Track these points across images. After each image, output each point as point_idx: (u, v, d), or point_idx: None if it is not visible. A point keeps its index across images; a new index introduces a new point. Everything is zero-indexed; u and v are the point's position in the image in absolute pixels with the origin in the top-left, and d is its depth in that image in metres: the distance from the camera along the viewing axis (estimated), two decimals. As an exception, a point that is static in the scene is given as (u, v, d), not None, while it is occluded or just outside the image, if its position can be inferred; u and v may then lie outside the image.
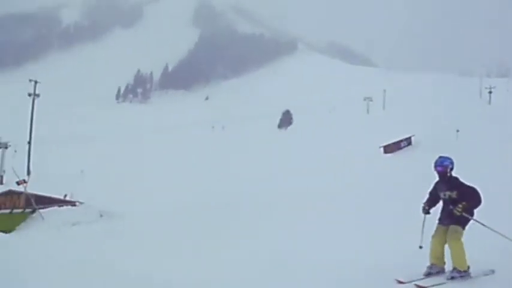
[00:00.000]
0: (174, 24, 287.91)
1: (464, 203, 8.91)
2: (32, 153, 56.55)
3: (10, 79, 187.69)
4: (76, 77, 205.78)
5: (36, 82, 61.43)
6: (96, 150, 72.43)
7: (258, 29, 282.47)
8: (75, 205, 29.30)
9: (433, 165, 9.49)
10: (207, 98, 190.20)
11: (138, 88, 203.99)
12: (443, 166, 9.38)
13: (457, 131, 43.02)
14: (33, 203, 27.78)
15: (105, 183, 39.73)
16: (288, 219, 15.50)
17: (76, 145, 77.11)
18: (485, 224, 9.01)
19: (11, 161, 46.49)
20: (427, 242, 9.09)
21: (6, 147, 53.77)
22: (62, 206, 29.07)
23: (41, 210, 27.20)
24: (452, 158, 9.51)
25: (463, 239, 8.69)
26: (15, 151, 60.78)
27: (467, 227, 8.92)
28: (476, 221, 9.04)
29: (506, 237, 9.18)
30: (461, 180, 9.26)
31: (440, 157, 9.59)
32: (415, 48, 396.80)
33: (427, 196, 9.65)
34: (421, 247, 9.12)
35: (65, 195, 30.82)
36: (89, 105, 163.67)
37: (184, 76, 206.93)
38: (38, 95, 61.50)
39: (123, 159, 61.29)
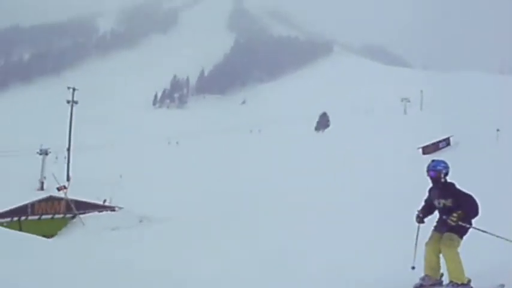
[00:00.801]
0: (209, 29, 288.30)
1: (459, 212, 8.31)
2: (71, 159, 57.18)
3: (49, 87, 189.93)
4: (113, 84, 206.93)
5: (74, 89, 62.25)
6: (135, 155, 72.99)
7: (293, 32, 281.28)
8: (114, 210, 29.68)
9: (425, 169, 8.95)
10: (243, 102, 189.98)
11: (175, 93, 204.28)
12: (436, 171, 8.76)
13: (497, 130, 42.24)
14: (74, 209, 28.23)
15: (144, 188, 40.10)
16: (334, 222, 15.44)
17: (114, 150, 77.70)
18: (487, 230, 8.46)
19: (51, 168, 47.08)
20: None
21: (46, 154, 54.57)
22: (102, 211, 29.49)
23: (81, 216, 27.63)
24: (447, 162, 8.94)
25: (459, 249, 8.14)
26: (56, 158, 61.48)
27: (465, 237, 8.35)
28: (476, 228, 8.49)
29: None
30: (458, 186, 8.67)
31: (433, 161, 9.07)
32: (453, 46, 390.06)
33: (422, 204, 9.15)
34: (413, 268, 8.52)
35: (104, 201, 31.24)
36: (126, 111, 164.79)
37: (221, 80, 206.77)
38: (76, 102, 62.34)
39: (161, 164, 61.64)
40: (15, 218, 26.99)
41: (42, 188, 48.93)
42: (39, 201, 29.21)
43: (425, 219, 9.00)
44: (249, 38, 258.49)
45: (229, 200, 28.75)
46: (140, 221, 25.50)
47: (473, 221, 8.42)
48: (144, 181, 46.25)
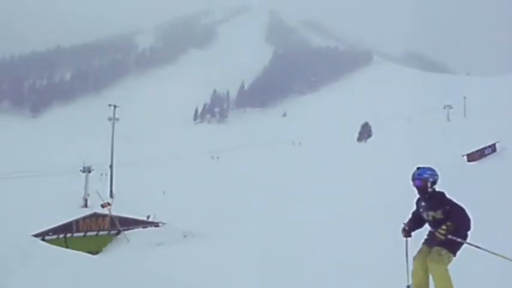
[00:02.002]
0: (247, 43, 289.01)
1: (449, 223, 7.54)
2: (114, 176, 57.50)
3: (90, 105, 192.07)
4: (153, 100, 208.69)
5: (115, 107, 62.67)
6: (177, 170, 73.13)
7: (332, 42, 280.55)
8: (158, 226, 29.68)
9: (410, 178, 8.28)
10: (284, 115, 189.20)
11: (215, 108, 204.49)
12: (422, 179, 7.99)
13: (547, 135, 41.03)
14: (118, 225, 28.26)
15: (187, 203, 39.99)
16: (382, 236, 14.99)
17: (157, 166, 78.00)
18: (481, 246, 7.67)
19: (95, 185, 47.36)
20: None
21: (89, 172, 54.94)
22: (146, 227, 29.50)
23: (125, 232, 27.65)
24: (435, 168, 8.19)
25: (450, 266, 7.44)
26: (102, 174, 61.97)
27: (458, 253, 7.61)
28: (470, 244, 7.68)
29: None
30: (448, 196, 7.91)
31: (418, 168, 8.24)
32: (496, 50, 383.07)
33: (409, 216, 8.48)
34: (408, 287, 7.95)
35: (148, 217, 31.26)
36: (167, 127, 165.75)
37: (261, 93, 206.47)
38: (117, 119, 62.76)
39: (203, 179, 61.58)
40: (61, 235, 27.23)
41: (86, 205, 49.33)
42: (84, 218, 29.40)
43: (413, 233, 8.33)
44: (288, 50, 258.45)
45: (273, 216, 28.45)
46: (184, 236, 25.40)
47: (469, 235, 7.69)
48: (186, 196, 46.21)
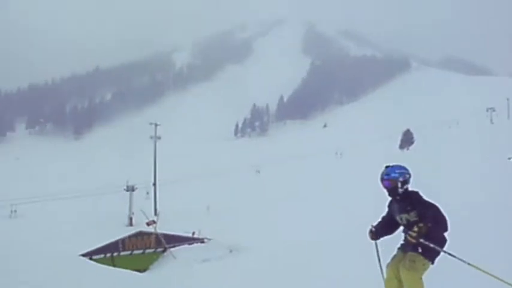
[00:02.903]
0: (284, 55, 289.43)
1: (421, 225, 6.79)
2: (158, 193, 57.85)
3: (131, 124, 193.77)
4: (193, 117, 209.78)
5: (156, 125, 63.14)
6: (220, 186, 73.19)
7: (369, 51, 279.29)
8: (203, 242, 29.64)
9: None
10: (325, 126, 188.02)
11: (256, 122, 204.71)
12: (391, 179, 7.34)
13: None
14: (164, 243, 28.31)
15: (231, 218, 40.00)
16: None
17: (200, 182, 78.22)
18: (456, 255, 6.97)
19: (138, 203, 47.70)
20: None
21: (133, 190, 55.34)
22: (192, 243, 29.50)
23: (171, 249, 27.68)
24: (406, 166, 7.54)
25: (424, 275, 6.83)
26: (147, 193, 62.46)
27: (436, 261, 6.96)
28: (446, 252, 7.01)
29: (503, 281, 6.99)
30: (422, 196, 7.26)
31: (386, 167, 7.55)
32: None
33: (378, 220, 7.75)
34: None
35: (193, 233, 31.25)
36: (208, 143, 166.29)
37: (300, 105, 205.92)
38: (159, 137, 63.27)
39: (246, 193, 61.49)
40: (108, 254, 27.44)
41: (131, 224, 49.70)
42: (130, 236, 29.57)
43: (383, 239, 7.66)
44: (325, 61, 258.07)
45: (318, 227, 28.22)
46: (230, 251, 25.32)
47: (448, 238, 7.05)
48: (230, 211, 46.22)
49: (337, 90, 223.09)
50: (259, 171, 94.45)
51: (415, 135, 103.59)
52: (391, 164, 7.59)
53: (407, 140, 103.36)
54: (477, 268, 6.97)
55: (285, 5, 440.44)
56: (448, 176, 38.14)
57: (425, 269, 7.03)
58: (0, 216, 57.79)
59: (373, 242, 7.83)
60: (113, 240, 28.47)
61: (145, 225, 30.16)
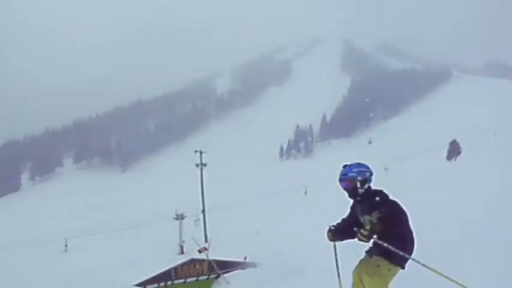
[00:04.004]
0: (324, 74, 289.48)
1: (375, 221, 6.51)
2: (207, 220, 58.04)
3: (176, 153, 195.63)
4: (237, 142, 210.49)
5: (201, 152, 63.46)
6: (268, 209, 73.05)
7: (408, 64, 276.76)
8: (255, 266, 29.51)
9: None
10: (369, 142, 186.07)
11: (300, 142, 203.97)
12: (349, 179, 6.98)
13: None
14: (216, 269, 28.34)
15: (281, 241, 39.73)
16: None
17: (248, 207, 78.11)
18: (420, 261, 6.54)
19: (188, 231, 47.90)
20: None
21: (182, 218, 55.71)
22: (244, 268, 29.45)
23: (225, 275, 27.65)
24: (366, 164, 7.21)
25: (391, 282, 6.47)
26: (195, 220, 62.74)
27: (407, 266, 6.59)
28: (405, 255, 6.52)
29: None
30: (387, 194, 6.87)
31: (344, 166, 7.20)
32: None
33: (338, 221, 7.31)
34: None
35: (245, 258, 31.17)
36: (254, 167, 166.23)
37: (343, 123, 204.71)
38: (205, 165, 63.57)
39: (294, 215, 61.20)
40: (162, 284, 27.59)
41: (182, 252, 49.90)
42: (182, 264, 29.67)
43: (344, 240, 7.19)
44: (365, 76, 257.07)
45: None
46: (283, 275, 25.18)
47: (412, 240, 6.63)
48: (280, 234, 45.98)
49: (380, 106, 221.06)
50: (306, 193, 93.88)
51: (462, 145, 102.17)
52: (348, 163, 7.33)
53: (454, 150, 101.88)
54: (437, 272, 6.64)
55: (321, 24, 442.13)
56: (500, 183, 37.47)
57: (392, 275, 6.67)
58: (54, 250, 58.74)
59: (331, 243, 7.50)
60: (165, 269, 28.60)
61: (197, 253, 30.26)
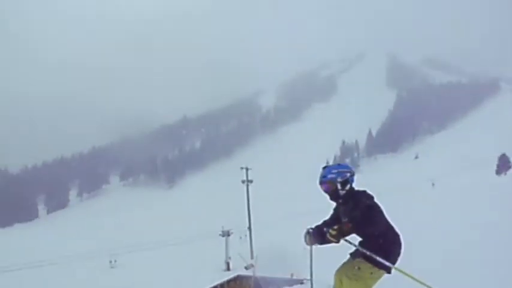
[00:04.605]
0: (369, 89, 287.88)
1: (345, 219, 6.37)
2: (254, 236, 57.95)
3: (222, 170, 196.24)
4: (283, 158, 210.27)
5: (247, 169, 63.42)
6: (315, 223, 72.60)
7: (454, 77, 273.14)
8: (303, 283, 29.31)
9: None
10: (416, 157, 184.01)
11: (346, 158, 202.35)
12: (328, 181, 6.72)
13: None
14: (263, 286, 28.17)
15: (328, 257, 39.36)
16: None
17: (295, 223, 77.78)
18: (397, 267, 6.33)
19: (236, 248, 47.89)
20: None
21: (228, 235, 55.67)
22: (292, 285, 29.22)
23: (271, 292, 27.45)
24: (346, 164, 6.97)
25: (374, 286, 6.17)
26: (240, 237, 62.68)
27: (393, 272, 6.31)
28: (372, 256, 6.30)
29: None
30: (371, 195, 6.64)
31: (324, 168, 7.00)
32: None
33: (317, 224, 6.97)
34: None
35: (292, 274, 30.93)
36: (300, 183, 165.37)
37: (390, 138, 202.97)
38: (251, 181, 63.45)
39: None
40: (209, 299, 27.52)
41: (228, 269, 49.78)
42: (228, 281, 29.65)
43: (323, 245, 6.77)
44: (410, 91, 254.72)
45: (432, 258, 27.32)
46: (331, 291, 24.93)
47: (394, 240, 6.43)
48: (326, 251, 45.60)
49: (426, 120, 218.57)
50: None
51: (511, 159, 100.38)
52: (327, 165, 7.21)
53: (503, 164, 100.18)
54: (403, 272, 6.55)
55: (365, 39, 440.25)
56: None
57: (374, 279, 6.44)
58: (101, 266, 59.32)
59: (308, 247, 7.29)
60: (211, 285, 28.59)
61: (244, 269, 30.21)
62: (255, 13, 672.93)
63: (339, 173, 6.78)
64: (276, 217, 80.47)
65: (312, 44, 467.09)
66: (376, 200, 6.70)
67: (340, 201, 6.84)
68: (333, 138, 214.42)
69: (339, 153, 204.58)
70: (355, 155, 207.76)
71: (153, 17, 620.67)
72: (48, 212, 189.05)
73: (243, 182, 63.38)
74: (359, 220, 6.27)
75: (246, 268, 29.42)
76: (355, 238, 6.86)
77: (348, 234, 6.31)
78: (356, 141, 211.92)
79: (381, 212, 6.50)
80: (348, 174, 6.87)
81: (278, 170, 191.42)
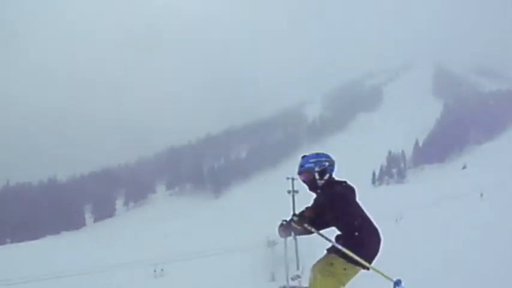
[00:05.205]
0: (415, 99, 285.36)
1: (308, 205, 6.26)
2: (299, 247, 57.63)
3: (268, 180, 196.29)
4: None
5: (293, 179, 63.27)
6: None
7: (504, 85, 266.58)
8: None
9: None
10: (464, 167, 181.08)
11: (392, 169, 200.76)
12: (306, 171, 6.65)
13: None
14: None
15: (387, 268, 38.90)
16: None
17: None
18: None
19: (282, 258, 47.68)
20: None
21: (274, 245, 55.68)
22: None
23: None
24: (325, 153, 6.87)
25: (348, 283, 5.94)
26: (286, 247, 62.49)
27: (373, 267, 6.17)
28: (322, 235, 6.19)
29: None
30: (350, 186, 6.54)
31: (302, 157, 6.88)
32: None
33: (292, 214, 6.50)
34: None
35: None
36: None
37: (437, 148, 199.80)
38: (297, 191, 63.12)
39: (389, 243, 59.99)
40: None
41: (273, 279, 49.64)
42: (273, 292, 29.55)
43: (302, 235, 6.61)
44: (458, 100, 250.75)
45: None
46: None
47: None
48: (374, 264, 45.15)
49: (474, 130, 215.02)
50: (397, 220, 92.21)
51: None
52: (306, 154, 7.11)
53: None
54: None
55: (411, 48, 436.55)
56: None
57: (348, 275, 6.36)
58: (147, 275, 59.86)
59: (282, 239, 7.33)
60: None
61: (289, 280, 30.05)
62: (301, 23, 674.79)
63: (316, 162, 6.77)
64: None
65: (357, 54, 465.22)
66: (355, 192, 6.83)
67: (319, 191, 6.84)
68: (379, 149, 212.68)
69: (385, 164, 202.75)
70: (402, 165, 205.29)
71: (191, 24, 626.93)
72: (95, 220, 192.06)
73: (288, 192, 63.02)
74: (320, 206, 6.35)
75: (292, 279, 29.13)
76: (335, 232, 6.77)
77: (314, 223, 6.39)
78: (402, 151, 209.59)
79: (347, 201, 6.48)
80: (327, 164, 6.89)
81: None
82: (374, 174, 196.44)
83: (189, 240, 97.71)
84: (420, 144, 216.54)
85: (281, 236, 7.32)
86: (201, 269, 58.06)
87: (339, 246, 6.23)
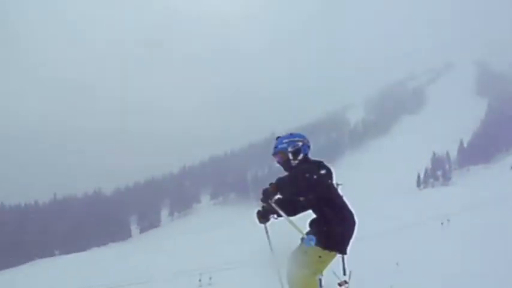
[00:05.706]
0: (459, 99, 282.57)
1: (273, 182, 5.94)
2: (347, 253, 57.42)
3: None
4: (373, 172, 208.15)
5: (338, 184, 63.02)
6: (407, 240, 71.47)
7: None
8: (398, 299, 28.83)
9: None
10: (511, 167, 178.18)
11: (437, 171, 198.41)
12: (280, 152, 6.51)
13: None
14: (357, 303, 27.78)
15: (422, 273, 38.70)
16: None
17: (386, 238, 76.70)
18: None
19: (329, 264, 47.49)
20: None
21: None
22: (387, 302, 28.81)
23: (365, 309, 27.17)
24: (299, 132, 6.61)
25: (324, 270, 5.67)
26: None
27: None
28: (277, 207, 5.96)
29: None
30: (326, 166, 6.38)
31: (276, 138, 6.66)
32: None
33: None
34: None
35: (387, 290, 30.52)
36: (391, 197, 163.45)
37: (482, 149, 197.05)
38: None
39: (435, 246, 59.44)
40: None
41: (320, 285, 49.40)
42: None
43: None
44: (503, 99, 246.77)
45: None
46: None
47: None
48: (420, 266, 44.74)
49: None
50: (443, 223, 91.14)
51: None
52: (281, 135, 6.91)
53: None
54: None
55: (453, 47, 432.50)
56: None
57: (324, 262, 6.40)
58: (191, 285, 60.16)
59: (261, 225, 6.97)
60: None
61: (336, 286, 29.87)
62: (341, 27, 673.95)
63: (289, 143, 6.64)
64: (368, 232, 79.72)
65: (399, 56, 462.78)
66: (331, 173, 6.90)
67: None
68: (423, 151, 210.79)
69: (430, 166, 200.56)
70: (447, 167, 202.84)
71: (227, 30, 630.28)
72: (141, 231, 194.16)
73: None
74: (284, 182, 6.18)
75: (340, 285, 29.01)
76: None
77: (280, 201, 6.31)
78: (447, 152, 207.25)
79: (315, 180, 6.25)
80: (300, 144, 6.71)
81: (368, 184, 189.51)
82: (419, 177, 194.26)
83: (234, 249, 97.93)
84: (465, 145, 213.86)
85: (260, 223, 6.88)
86: (247, 278, 58.12)
87: (307, 238, 6.16)
